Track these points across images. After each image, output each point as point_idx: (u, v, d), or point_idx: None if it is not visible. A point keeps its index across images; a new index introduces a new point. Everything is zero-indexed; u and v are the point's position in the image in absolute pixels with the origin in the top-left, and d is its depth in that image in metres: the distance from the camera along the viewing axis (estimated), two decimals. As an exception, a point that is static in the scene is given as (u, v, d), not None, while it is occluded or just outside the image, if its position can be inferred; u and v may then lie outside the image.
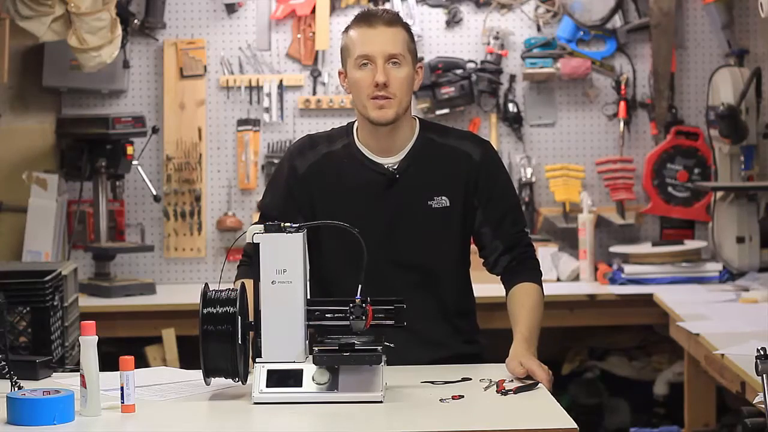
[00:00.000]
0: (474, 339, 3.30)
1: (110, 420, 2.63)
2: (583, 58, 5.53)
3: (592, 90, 5.59)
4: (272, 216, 3.06)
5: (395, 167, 3.20)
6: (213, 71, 5.54)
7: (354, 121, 3.28)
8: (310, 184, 3.21)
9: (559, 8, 5.55)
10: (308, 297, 2.81)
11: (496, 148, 3.32)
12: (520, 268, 3.24)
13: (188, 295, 4.92)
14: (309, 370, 2.73)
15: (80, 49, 4.89)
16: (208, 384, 2.80)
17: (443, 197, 3.19)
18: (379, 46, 3.13)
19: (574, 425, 2.54)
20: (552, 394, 2.81)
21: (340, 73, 3.24)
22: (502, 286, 3.26)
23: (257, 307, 2.77)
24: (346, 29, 3.22)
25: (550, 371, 2.94)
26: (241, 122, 5.52)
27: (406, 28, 3.20)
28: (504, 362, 3.09)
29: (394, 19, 3.18)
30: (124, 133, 5.23)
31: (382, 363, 2.71)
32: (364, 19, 3.18)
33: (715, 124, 5.12)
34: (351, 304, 2.75)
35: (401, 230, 3.19)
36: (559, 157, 5.61)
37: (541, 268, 3.28)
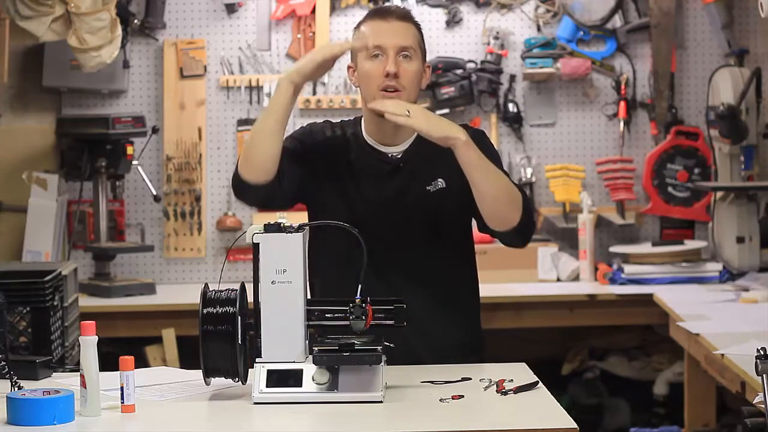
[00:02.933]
0: (475, 332, 3.31)
1: (110, 420, 2.64)
2: (583, 58, 5.53)
3: (592, 90, 5.59)
4: (288, 151, 3.15)
5: (399, 156, 3.23)
6: (213, 71, 5.54)
7: (360, 116, 3.31)
8: (327, 154, 3.25)
9: (559, 8, 5.55)
10: (308, 297, 2.81)
11: (495, 148, 3.35)
12: None
13: (188, 295, 4.92)
14: (309, 370, 2.73)
15: (80, 49, 4.89)
16: (208, 384, 2.80)
17: (440, 180, 3.23)
18: (391, 39, 3.18)
19: (574, 425, 2.54)
20: (552, 394, 2.81)
21: (349, 68, 3.29)
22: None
23: (257, 307, 2.77)
24: (358, 25, 3.27)
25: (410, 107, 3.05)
26: (241, 122, 5.52)
27: (417, 26, 3.26)
28: (503, 362, 3.10)
29: (407, 15, 3.26)
30: (124, 133, 5.23)
31: (382, 363, 2.72)
32: (377, 14, 3.26)
33: (715, 124, 5.12)
34: (351, 304, 2.76)
35: (403, 217, 3.22)
36: (559, 157, 5.61)
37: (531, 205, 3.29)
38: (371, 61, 3.19)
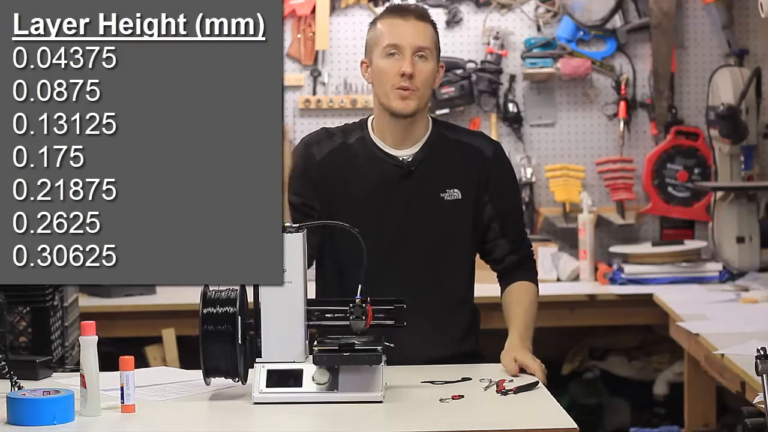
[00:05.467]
0: (473, 335, 3.31)
1: (110, 420, 2.64)
2: (583, 58, 5.53)
3: (592, 90, 5.60)
4: (296, 203, 3.11)
5: (410, 159, 3.22)
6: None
7: (367, 117, 3.30)
8: (328, 172, 3.22)
9: (559, 8, 5.55)
10: (308, 297, 2.82)
11: (515, 173, 3.38)
12: (521, 268, 3.28)
13: (188, 295, 4.90)
14: (309, 370, 2.73)
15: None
16: (208, 384, 2.80)
17: (455, 190, 3.22)
18: (409, 38, 3.17)
19: (574, 425, 2.54)
20: (552, 394, 2.81)
21: (362, 63, 3.26)
22: (498, 281, 3.32)
23: (257, 307, 2.77)
24: (375, 21, 3.26)
25: (543, 365, 2.96)
26: (241, 122, 5.51)
27: (434, 26, 3.26)
28: (503, 363, 3.10)
29: (425, 15, 3.24)
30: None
31: (382, 363, 2.71)
32: (396, 11, 3.23)
33: (715, 124, 5.12)
34: (351, 304, 2.76)
35: (414, 221, 3.21)
36: (559, 157, 5.61)
37: (537, 269, 3.35)
38: (387, 59, 3.17)
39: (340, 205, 3.19)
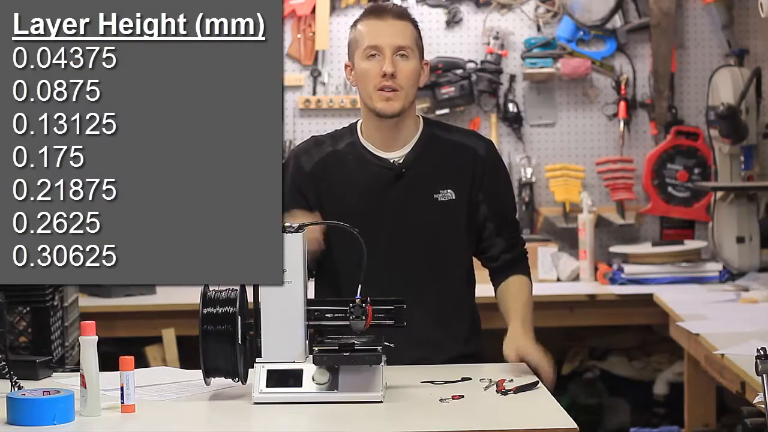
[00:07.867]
0: (474, 337, 3.30)
1: (110, 420, 2.64)
2: (583, 58, 5.54)
3: (592, 90, 5.60)
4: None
5: (401, 161, 3.22)
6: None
7: (357, 121, 3.29)
8: (317, 181, 3.22)
9: (559, 8, 5.55)
10: (308, 297, 2.82)
11: (507, 172, 3.39)
12: (515, 265, 3.29)
13: (188, 295, 4.89)
14: (309, 370, 2.73)
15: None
16: (208, 384, 2.80)
17: (449, 190, 3.22)
18: (387, 38, 3.16)
19: (574, 425, 2.54)
20: (552, 394, 2.81)
21: (346, 66, 3.27)
22: (491, 277, 3.32)
23: (257, 307, 2.77)
24: (355, 23, 3.25)
25: (552, 367, 2.97)
26: (241, 122, 5.52)
27: (415, 23, 3.24)
28: (504, 362, 3.09)
29: (404, 13, 3.22)
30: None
31: (382, 363, 2.72)
32: (373, 12, 3.22)
33: (715, 124, 5.12)
34: (351, 304, 2.76)
35: (408, 224, 3.20)
36: (559, 157, 5.61)
37: (530, 266, 3.37)
38: (368, 61, 3.17)
39: (334, 212, 3.18)
